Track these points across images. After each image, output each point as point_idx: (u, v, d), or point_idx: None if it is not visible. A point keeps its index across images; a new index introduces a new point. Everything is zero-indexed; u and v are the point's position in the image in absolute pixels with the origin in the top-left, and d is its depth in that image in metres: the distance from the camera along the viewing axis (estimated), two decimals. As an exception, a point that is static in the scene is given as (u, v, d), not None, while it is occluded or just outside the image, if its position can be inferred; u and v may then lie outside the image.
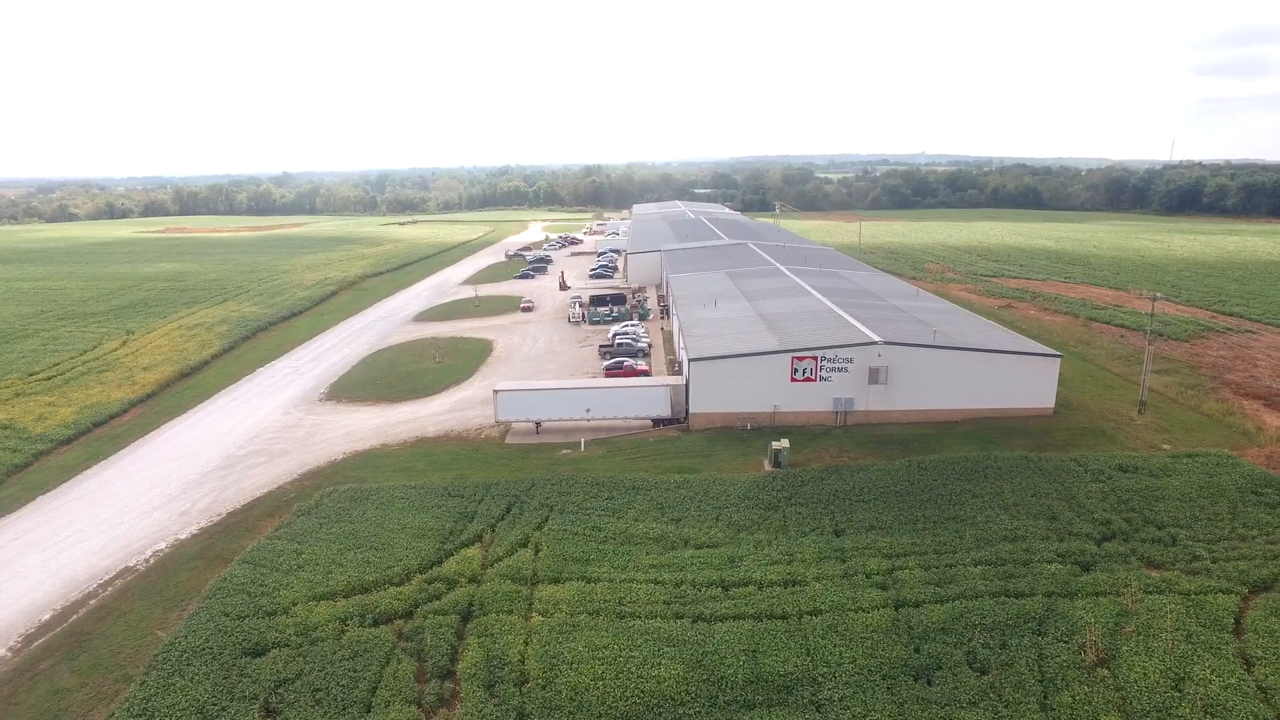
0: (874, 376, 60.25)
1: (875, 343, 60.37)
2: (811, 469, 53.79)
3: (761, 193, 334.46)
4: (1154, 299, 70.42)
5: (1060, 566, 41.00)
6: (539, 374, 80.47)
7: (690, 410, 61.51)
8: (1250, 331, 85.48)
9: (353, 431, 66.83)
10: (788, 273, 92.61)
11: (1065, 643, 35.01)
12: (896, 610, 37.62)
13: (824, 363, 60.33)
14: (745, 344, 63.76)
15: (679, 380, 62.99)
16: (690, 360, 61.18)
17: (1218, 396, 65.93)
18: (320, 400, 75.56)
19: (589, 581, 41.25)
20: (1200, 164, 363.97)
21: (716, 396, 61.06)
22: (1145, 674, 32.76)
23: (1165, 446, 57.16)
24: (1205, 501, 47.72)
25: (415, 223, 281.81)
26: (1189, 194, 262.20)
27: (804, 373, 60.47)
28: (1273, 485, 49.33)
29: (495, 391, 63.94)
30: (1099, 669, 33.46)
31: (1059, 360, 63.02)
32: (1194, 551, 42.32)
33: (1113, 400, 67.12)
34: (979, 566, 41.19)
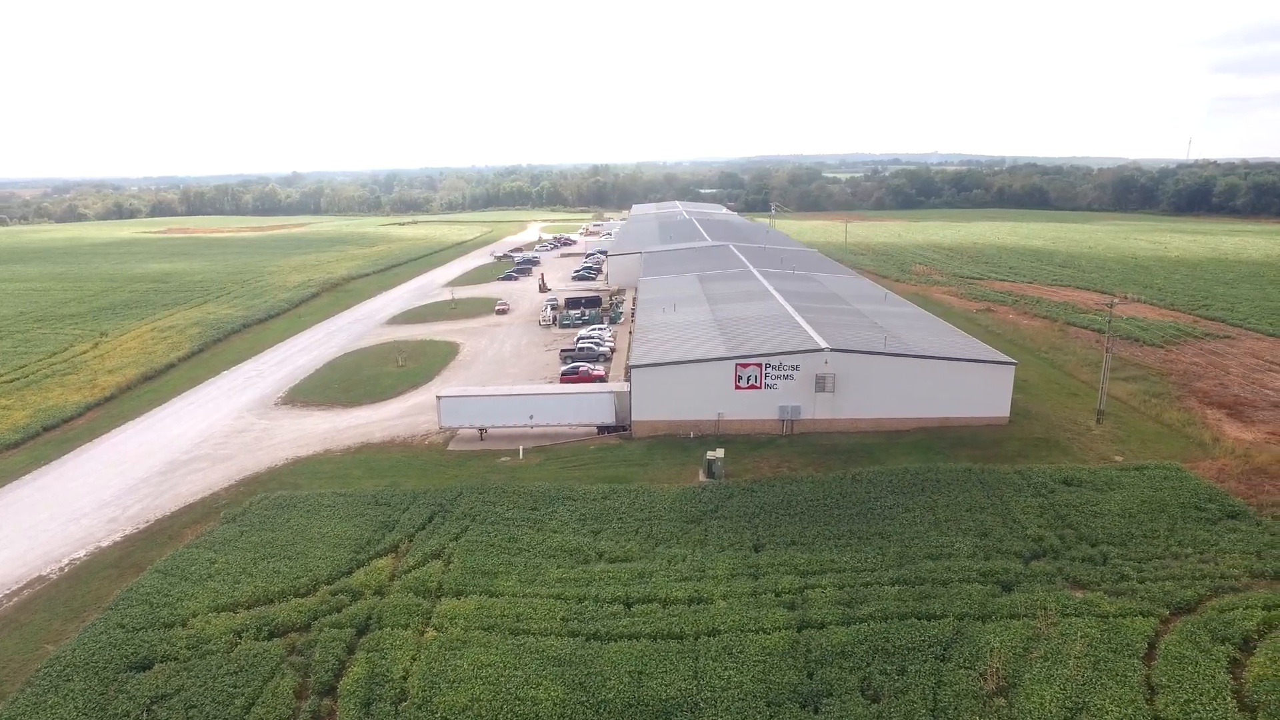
0: (821, 384, 58.93)
1: (822, 349, 59.04)
2: (746, 480, 52.61)
3: (765, 193, 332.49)
4: (1112, 305, 68.38)
5: (980, 587, 39.58)
6: (500, 378, 79.80)
7: (632, 418, 60.49)
8: (1229, 337, 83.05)
9: (300, 437, 66.49)
10: (758, 276, 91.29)
11: (968, 669, 33.67)
12: (799, 632, 36.43)
13: (769, 370, 59.08)
14: (691, 350, 62.64)
15: (624, 387, 62.00)
16: (631, 367, 60.18)
17: (1181, 405, 63.92)
18: (276, 404, 75.33)
19: (492, 595, 40.47)
20: (1214, 163, 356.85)
21: (659, 404, 60.00)
22: (1042, 703, 31.40)
23: (1117, 458, 55.41)
24: (1144, 517, 46.05)
25: (415, 223, 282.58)
26: (1198, 194, 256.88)
27: (749, 380, 59.26)
28: (1217, 500, 47.57)
29: (438, 398, 63.30)
30: (996, 698, 32.11)
31: (1013, 368, 61.33)
32: (1122, 571, 40.75)
33: (1074, 409, 65.28)
34: (895, 586, 39.90)
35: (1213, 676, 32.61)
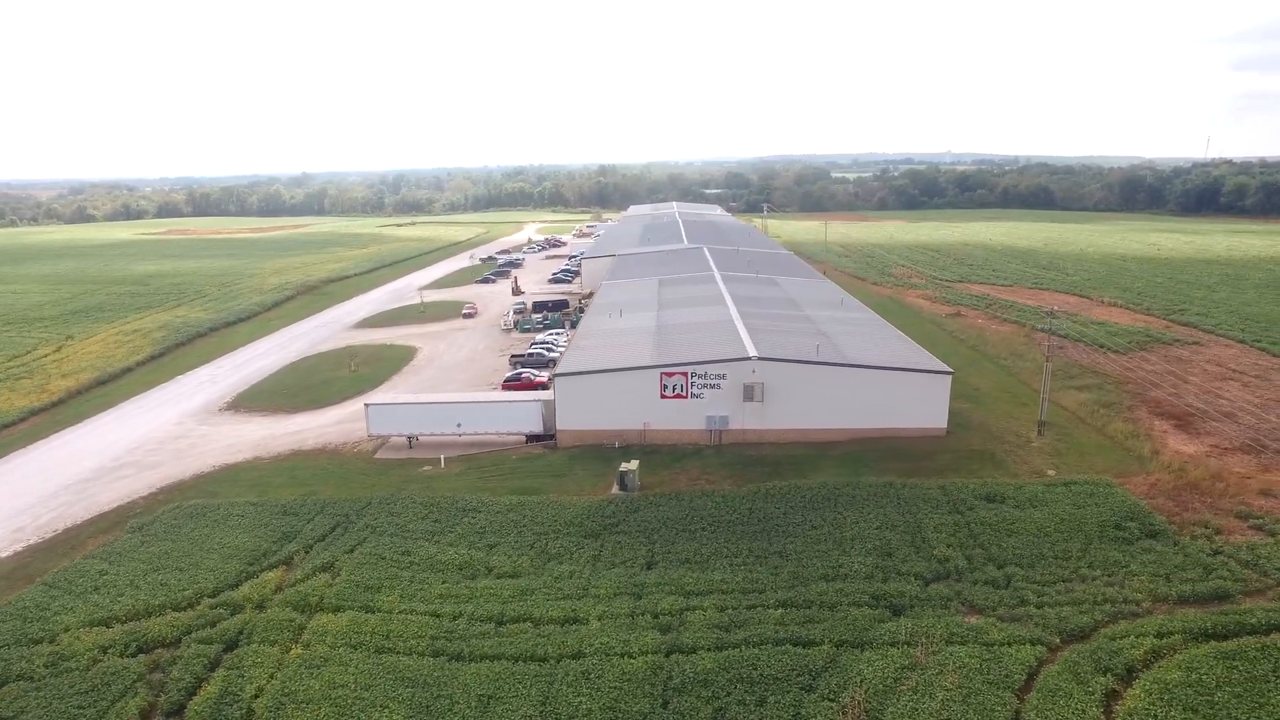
0: (749, 394, 57.55)
1: (749, 358, 57.66)
2: (658, 493, 51.41)
3: (768, 193, 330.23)
4: (1051, 313, 66.28)
5: (869, 611, 38.08)
6: (449, 384, 79.10)
7: (557, 427, 59.48)
8: (1197, 343, 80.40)
9: (235, 443, 66.20)
10: (718, 281, 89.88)
11: (831, 701, 32.29)
12: (667, 656, 35.19)
13: (695, 379, 57.81)
14: (619, 358, 61.51)
15: (551, 395, 61.00)
16: (554, 376, 59.17)
17: (1129, 416, 61.74)
18: (220, 410, 75.22)
19: (369, 611, 39.64)
20: (1230, 162, 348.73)
21: (584, 413, 58.93)
22: (899, 738, 30.03)
23: (1050, 472, 53.48)
24: (1059, 537, 44.24)
25: (414, 224, 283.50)
26: (1206, 194, 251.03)
27: (674, 389, 58.02)
28: (1139, 518, 45.62)
29: (366, 406, 62.70)
30: (853, 731, 30.79)
31: (950, 378, 59.53)
32: (1023, 595, 39.06)
33: (1019, 419, 63.30)
34: (781, 609, 38.50)
35: (1084, 711, 30.98)
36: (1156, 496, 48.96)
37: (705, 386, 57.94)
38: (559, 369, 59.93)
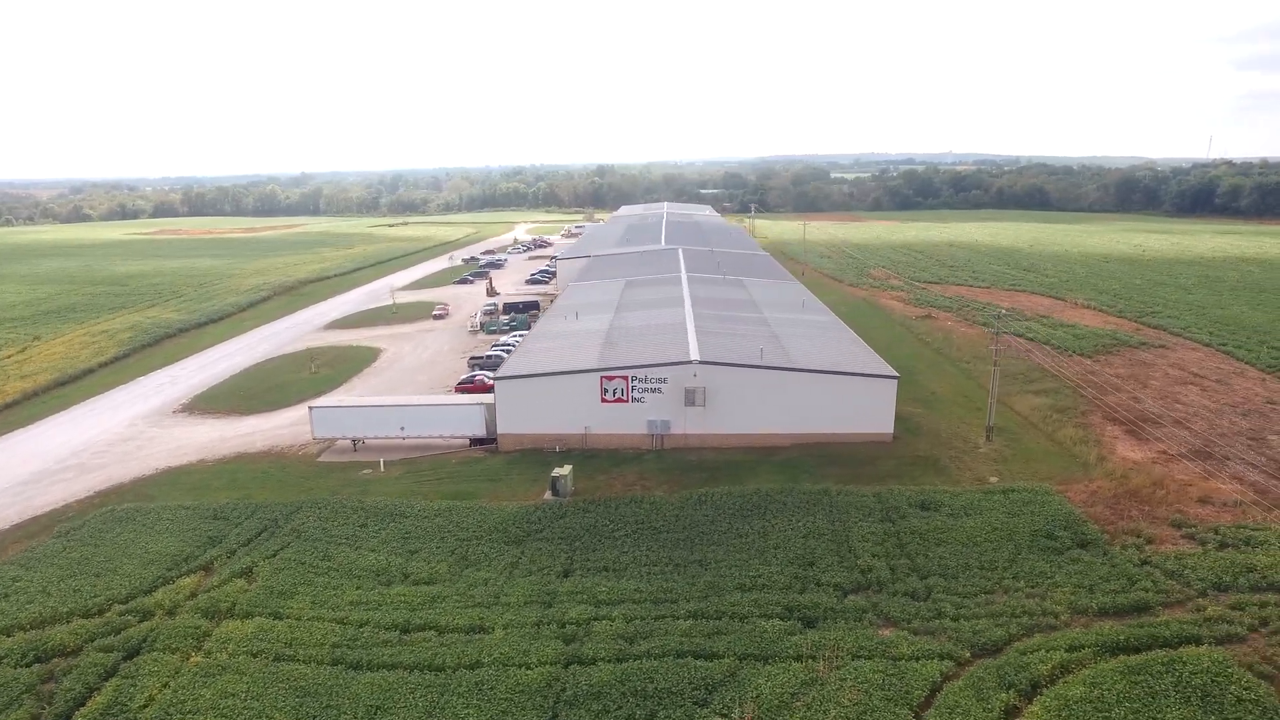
0: (690, 398, 56.86)
1: (690, 362, 56.96)
2: (590, 499, 50.76)
3: (763, 194, 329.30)
4: (998, 316, 65.37)
5: (780, 623, 37.30)
6: (407, 386, 78.61)
7: (498, 431, 58.89)
8: (1164, 346, 79.32)
9: (182, 446, 65.82)
10: (684, 282, 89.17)
11: (722, 717, 31.58)
12: (565, 668, 34.57)
13: (635, 383, 57.14)
14: (562, 361, 60.88)
15: (494, 399, 60.40)
16: (495, 379, 58.59)
17: (1080, 421, 60.79)
18: (174, 412, 74.87)
19: (278, 618, 39.12)
20: (1229, 162, 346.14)
21: (525, 417, 58.33)
22: (785, 755, 29.32)
23: (992, 479, 52.64)
24: (988, 546, 43.43)
25: (405, 224, 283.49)
26: (1202, 194, 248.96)
27: (615, 393, 57.37)
28: (1072, 527, 44.75)
29: (310, 408, 62.26)
30: (741, 747, 30.11)
31: (895, 383, 58.71)
32: (941, 607, 38.25)
33: (970, 425, 62.42)
34: (691, 620, 37.78)
35: (979, 728, 30.27)
36: (1095, 504, 48.08)
37: (646, 390, 57.27)
38: (499, 372, 59.34)
